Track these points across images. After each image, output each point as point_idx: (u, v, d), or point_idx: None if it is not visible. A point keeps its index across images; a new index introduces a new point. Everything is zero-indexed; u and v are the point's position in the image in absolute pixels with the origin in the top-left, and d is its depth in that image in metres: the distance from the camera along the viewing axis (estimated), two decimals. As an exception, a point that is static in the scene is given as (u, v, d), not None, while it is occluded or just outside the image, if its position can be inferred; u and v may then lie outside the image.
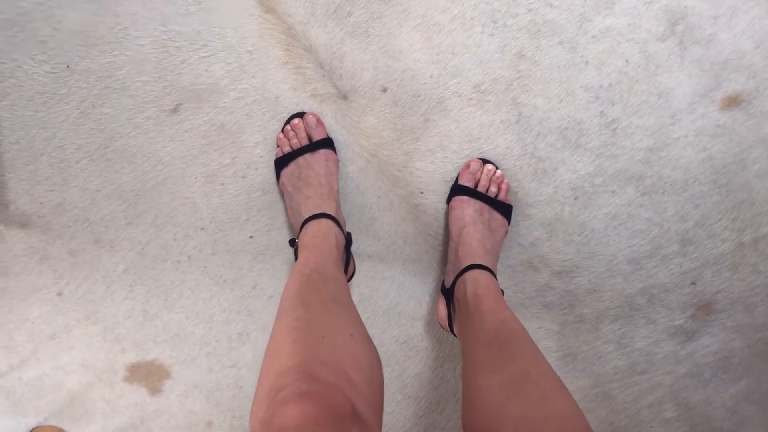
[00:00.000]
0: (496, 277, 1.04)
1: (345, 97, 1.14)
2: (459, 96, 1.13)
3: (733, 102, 1.10)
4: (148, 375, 1.26)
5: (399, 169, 1.16)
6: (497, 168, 1.14)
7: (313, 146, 1.13)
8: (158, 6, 1.09)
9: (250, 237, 1.20)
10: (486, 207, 1.13)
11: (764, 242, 1.15)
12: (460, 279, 1.04)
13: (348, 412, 0.62)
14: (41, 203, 1.17)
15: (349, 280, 1.16)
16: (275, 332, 0.77)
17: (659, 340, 1.21)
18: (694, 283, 1.18)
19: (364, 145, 1.16)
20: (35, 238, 1.19)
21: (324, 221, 1.04)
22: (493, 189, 1.13)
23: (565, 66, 1.10)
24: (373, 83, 1.13)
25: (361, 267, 1.21)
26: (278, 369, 0.68)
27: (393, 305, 1.23)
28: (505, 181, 1.14)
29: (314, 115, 1.14)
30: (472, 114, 1.13)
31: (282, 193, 1.18)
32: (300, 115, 1.14)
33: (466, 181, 1.13)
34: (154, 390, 1.26)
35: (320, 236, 1.01)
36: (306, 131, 1.14)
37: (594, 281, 1.19)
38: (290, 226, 1.20)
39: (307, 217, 1.05)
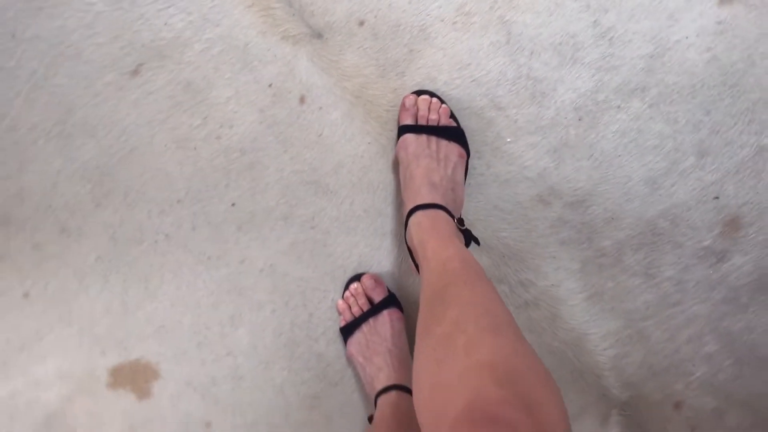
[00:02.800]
0: (448, 211, 0.94)
1: (319, 36, 1.05)
2: (442, 21, 1.04)
3: (731, -6, 1.03)
4: (134, 377, 1.13)
5: (387, 109, 1.07)
6: (433, 95, 1.05)
7: (375, 309, 1.09)
8: (107, -43, 1.01)
9: (233, 204, 1.10)
10: (432, 138, 1.03)
11: (785, 143, 1.07)
12: (407, 228, 0.94)
13: None
14: (-3, 194, 1.06)
15: None
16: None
17: (689, 266, 1.11)
18: (717, 197, 1.09)
19: (347, 86, 1.07)
20: (-7, 232, 1.07)
21: (395, 394, 1.00)
22: (433, 117, 1.04)
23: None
24: (348, 17, 1.04)
25: (358, 225, 1.11)
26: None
27: (398, 262, 1.12)
28: (444, 105, 1.05)
29: (371, 276, 1.11)
30: (459, 39, 1.05)
31: (352, 365, 1.15)
32: (357, 278, 1.12)
33: (406, 119, 1.05)
34: (143, 393, 1.13)
35: (389, 410, 0.98)
36: (365, 294, 1.10)
37: (611, 209, 1.10)
38: (365, 394, 1.15)
39: (379, 390, 1.02)
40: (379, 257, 1.12)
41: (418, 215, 0.93)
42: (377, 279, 1.11)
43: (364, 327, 1.10)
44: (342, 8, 1.04)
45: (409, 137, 1.03)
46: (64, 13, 1.01)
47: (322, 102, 1.07)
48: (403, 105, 1.05)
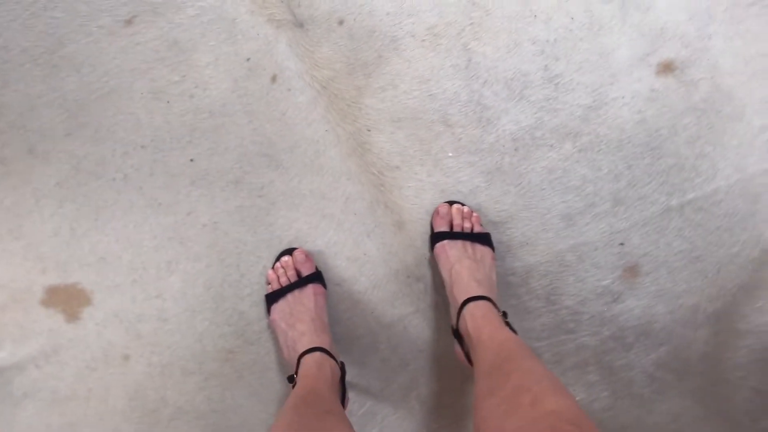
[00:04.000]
0: (494, 304, 1.07)
1: (301, 25, 1.16)
2: (413, 36, 1.16)
3: (667, 68, 1.17)
4: (68, 300, 1.21)
5: (349, 103, 1.18)
6: (463, 204, 1.20)
7: (302, 282, 1.19)
8: None
9: (191, 160, 1.19)
10: (467, 243, 1.18)
11: (690, 208, 1.20)
12: (461, 316, 1.07)
13: None
14: (-24, 105, 1.14)
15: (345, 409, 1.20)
16: None
17: (586, 300, 1.24)
18: (622, 244, 1.22)
19: (316, 75, 1.18)
20: (-34, 138, 1.15)
21: (319, 354, 1.08)
22: (467, 225, 1.19)
23: (515, 17, 1.15)
24: (330, 14, 1.15)
25: (302, 203, 1.21)
26: None
27: (330, 244, 1.22)
28: (474, 213, 1.20)
29: (302, 251, 1.20)
30: (424, 55, 1.17)
31: (273, 330, 1.23)
32: (289, 251, 1.21)
33: (441, 226, 1.19)
34: (72, 316, 1.21)
35: (316, 367, 1.06)
36: (295, 267, 1.20)
37: (527, 234, 1.22)
38: (283, 363, 1.24)
39: (302, 351, 1.10)
40: (315, 236, 1.22)
41: (471, 306, 1.06)
42: (308, 255, 1.21)
43: (290, 296, 1.19)
44: (326, 5, 1.15)
45: (447, 243, 1.18)
46: (76, -45, 1.11)
47: (291, 84, 1.18)
48: (437, 213, 1.20)
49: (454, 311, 1.12)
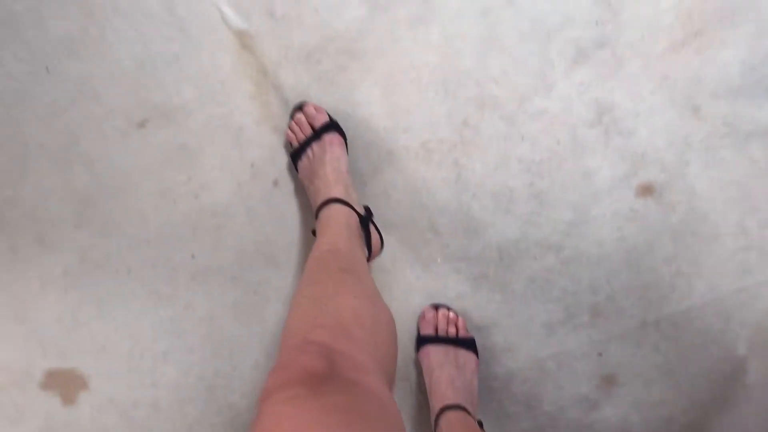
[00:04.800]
0: (469, 412, 1.12)
1: (303, 136, 1.24)
2: (407, 150, 1.24)
3: (647, 191, 1.24)
4: (66, 384, 1.25)
5: (343, 209, 1.25)
6: (449, 309, 1.25)
7: (317, 134, 1.20)
8: (144, 27, 1.18)
9: (192, 256, 1.25)
10: (450, 348, 1.22)
11: (666, 323, 1.26)
12: (437, 424, 1.12)
13: (322, 371, 0.62)
14: (-7, 195, 1.21)
15: (380, 250, 1.24)
16: (288, 314, 0.83)
17: (565, 407, 1.28)
18: (600, 354, 1.27)
19: (315, 182, 1.25)
20: (-20, 227, 1.22)
21: (333, 206, 1.11)
22: (452, 330, 1.23)
23: (504, 138, 1.23)
24: (330, 127, 1.23)
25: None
26: (282, 349, 0.74)
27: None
28: (460, 318, 1.25)
29: (312, 104, 1.21)
30: (417, 168, 1.24)
31: (304, 188, 1.25)
32: (300, 107, 1.22)
33: (426, 330, 1.24)
34: (68, 400, 1.25)
35: (332, 220, 1.09)
36: (308, 122, 1.20)
37: (510, 341, 1.27)
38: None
39: (316, 207, 1.13)
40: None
41: (448, 414, 1.11)
42: (318, 107, 1.21)
43: (309, 151, 1.20)
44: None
45: (431, 348, 1.23)
46: (96, 61, 1.18)
47: (291, 188, 1.25)
48: (423, 317, 1.25)
49: (432, 416, 1.16)
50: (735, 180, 1.24)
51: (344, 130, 1.21)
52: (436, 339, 1.23)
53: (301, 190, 1.25)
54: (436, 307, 1.25)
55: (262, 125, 1.23)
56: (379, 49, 1.20)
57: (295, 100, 1.22)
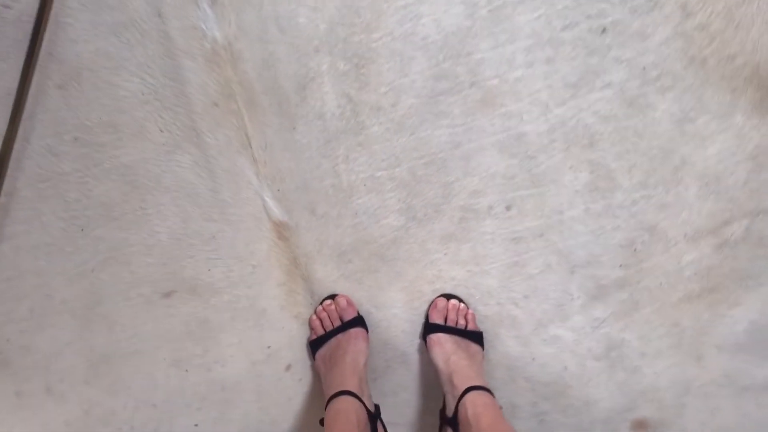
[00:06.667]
0: (493, 395, 1.13)
1: (324, 330, 1.27)
2: (421, 353, 1.27)
3: (640, 425, 1.29)
4: None
5: (351, 402, 1.28)
6: (461, 301, 1.26)
7: (344, 326, 1.24)
8: (186, 205, 1.20)
9: (195, 425, 1.27)
10: (460, 339, 1.24)
11: None
12: (461, 403, 1.12)
13: None
14: (8, 340, 1.21)
15: None
16: None
17: None
18: None
19: (327, 373, 1.28)
20: (-10, 372, 1.22)
21: (345, 398, 1.12)
22: (462, 321, 1.25)
23: (515, 356, 1.27)
24: (351, 327, 1.26)
25: None
26: None
27: None
28: (470, 311, 1.26)
29: (345, 297, 1.25)
30: (427, 371, 1.28)
31: (317, 374, 1.28)
32: (332, 297, 1.26)
33: (437, 319, 1.25)
34: None
35: (341, 414, 1.10)
36: (338, 313, 1.24)
37: None
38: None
39: (330, 395, 1.14)
40: None
41: (473, 394, 1.11)
42: (350, 300, 1.25)
43: (332, 341, 1.24)
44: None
45: (442, 336, 1.24)
46: (132, 229, 1.19)
47: (303, 375, 1.28)
48: (435, 305, 1.26)
49: (451, 398, 1.16)
50: (726, 428, 1.29)
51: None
52: (447, 328, 1.24)
53: (312, 379, 1.28)
54: (448, 298, 1.26)
55: (285, 311, 1.26)
56: (409, 258, 1.24)
57: (321, 293, 1.25)
